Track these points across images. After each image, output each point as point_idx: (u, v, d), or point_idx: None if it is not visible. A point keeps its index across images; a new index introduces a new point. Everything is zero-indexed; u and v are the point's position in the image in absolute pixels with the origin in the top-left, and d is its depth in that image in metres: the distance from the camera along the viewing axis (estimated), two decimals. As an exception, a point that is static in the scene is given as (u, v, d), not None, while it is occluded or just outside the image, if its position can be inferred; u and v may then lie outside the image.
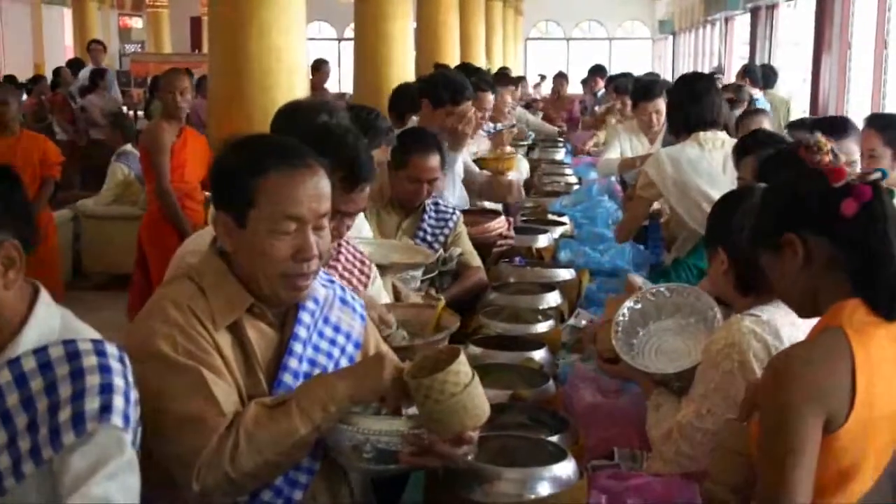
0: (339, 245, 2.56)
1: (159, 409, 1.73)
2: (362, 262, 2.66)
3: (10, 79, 11.74)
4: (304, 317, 1.96)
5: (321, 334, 2.00)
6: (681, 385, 2.40)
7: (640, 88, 5.70)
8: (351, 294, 2.14)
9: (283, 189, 1.83)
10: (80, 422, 1.47)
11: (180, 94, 5.72)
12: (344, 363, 2.02)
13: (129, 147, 7.81)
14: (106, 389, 1.51)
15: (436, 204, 3.66)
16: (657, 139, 5.40)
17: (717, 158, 3.94)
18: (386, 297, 2.67)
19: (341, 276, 2.55)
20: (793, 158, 2.97)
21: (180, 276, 1.93)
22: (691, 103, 4.06)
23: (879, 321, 1.77)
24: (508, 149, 5.81)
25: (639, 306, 2.63)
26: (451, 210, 3.70)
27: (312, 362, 1.97)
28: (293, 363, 1.92)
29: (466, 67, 8.34)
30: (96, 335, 1.60)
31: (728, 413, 2.15)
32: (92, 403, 1.49)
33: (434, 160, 3.55)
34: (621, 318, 2.60)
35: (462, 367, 1.83)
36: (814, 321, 2.03)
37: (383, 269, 2.91)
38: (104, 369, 1.53)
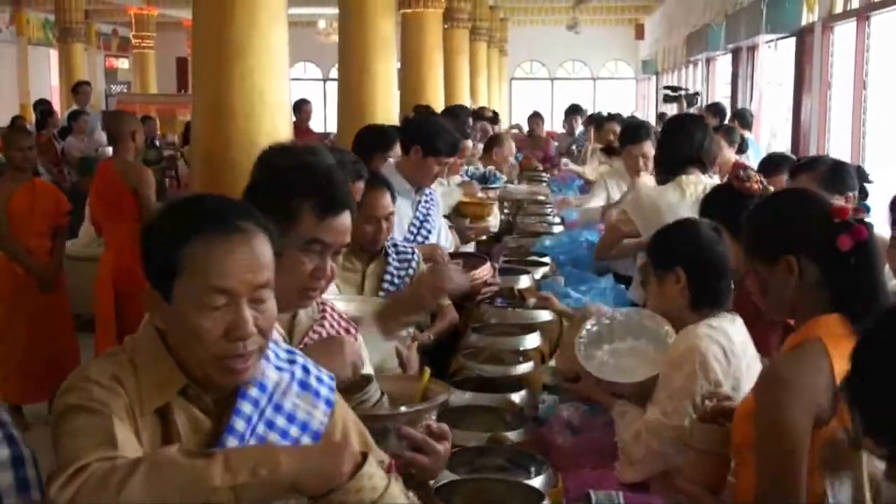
0: (324, 310, 2.40)
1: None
2: (346, 330, 2.45)
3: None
4: (245, 407, 1.70)
5: (270, 424, 1.73)
6: (640, 400, 2.58)
7: (627, 131, 5.56)
8: (317, 375, 1.83)
9: (209, 257, 1.64)
10: None
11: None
12: None
13: None
14: None
15: (395, 245, 3.64)
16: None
17: (690, 203, 3.93)
18: (368, 366, 2.42)
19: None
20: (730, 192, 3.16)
21: (117, 349, 1.74)
22: (678, 145, 4.10)
23: (852, 334, 1.98)
24: (481, 194, 5.85)
25: (595, 329, 2.82)
26: (410, 250, 3.68)
27: None
28: None
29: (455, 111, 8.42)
30: None
31: (691, 410, 2.40)
32: None
33: (386, 197, 3.51)
34: (582, 338, 2.78)
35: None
36: (744, 328, 2.57)
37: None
38: None
